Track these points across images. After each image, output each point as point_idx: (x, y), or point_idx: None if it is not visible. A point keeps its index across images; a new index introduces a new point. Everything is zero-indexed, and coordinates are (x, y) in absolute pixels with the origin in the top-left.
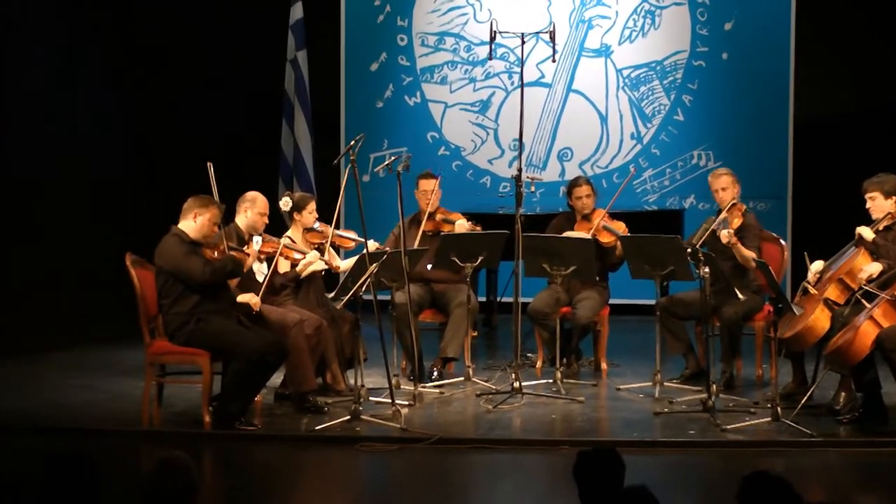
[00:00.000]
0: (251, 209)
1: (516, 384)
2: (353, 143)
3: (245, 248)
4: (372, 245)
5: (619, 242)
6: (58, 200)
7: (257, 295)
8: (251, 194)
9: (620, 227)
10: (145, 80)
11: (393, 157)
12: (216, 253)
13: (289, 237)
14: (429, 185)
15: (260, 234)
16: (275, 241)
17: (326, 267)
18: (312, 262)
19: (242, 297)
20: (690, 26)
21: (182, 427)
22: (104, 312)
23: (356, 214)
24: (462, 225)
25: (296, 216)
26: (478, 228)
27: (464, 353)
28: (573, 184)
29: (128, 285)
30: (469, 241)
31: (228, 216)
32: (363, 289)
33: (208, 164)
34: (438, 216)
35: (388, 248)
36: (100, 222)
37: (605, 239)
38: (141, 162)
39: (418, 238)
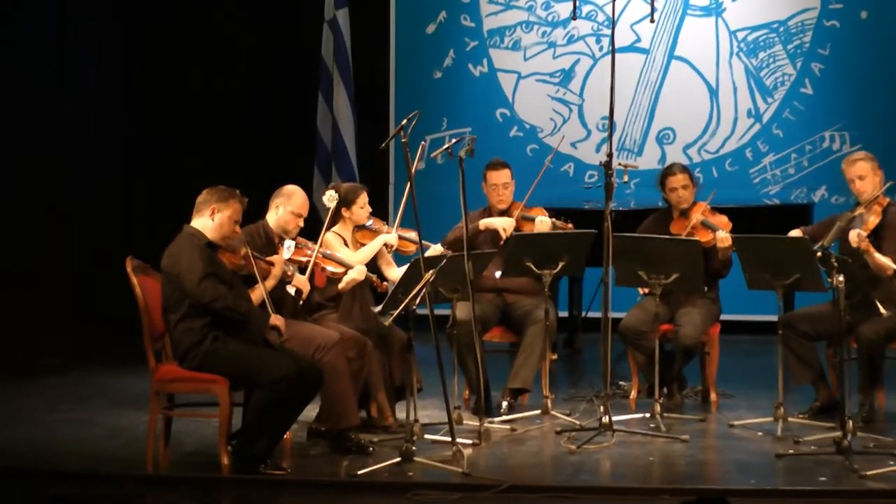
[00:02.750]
0: (285, 205)
1: (605, 419)
2: (404, 122)
3: (274, 255)
4: (435, 248)
5: (717, 237)
6: (45, 200)
7: (292, 314)
8: (289, 188)
9: (722, 222)
10: (145, 46)
11: (453, 140)
12: (236, 259)
13: (336, 233)
14: (499, 178)
15: (293, 239)
16: (310, 246)
17: (369, 279)
18: (358, 278)
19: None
20: None
21: (195, 471)
22: (100, 330)
23: (408, 210)
24: (544, 223)
25: (345, 212)
26: (569, 227)
27: (540, 380)
28: (666, 172)
29: (129, 297)
30: (547, 243)
31: (250, 214)
32: (417, 301)
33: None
34: (514, 212)
35: (446, 251)
36: (95, 222)
37: (704, 237)
38: (142, 150)
39: (489, 238)
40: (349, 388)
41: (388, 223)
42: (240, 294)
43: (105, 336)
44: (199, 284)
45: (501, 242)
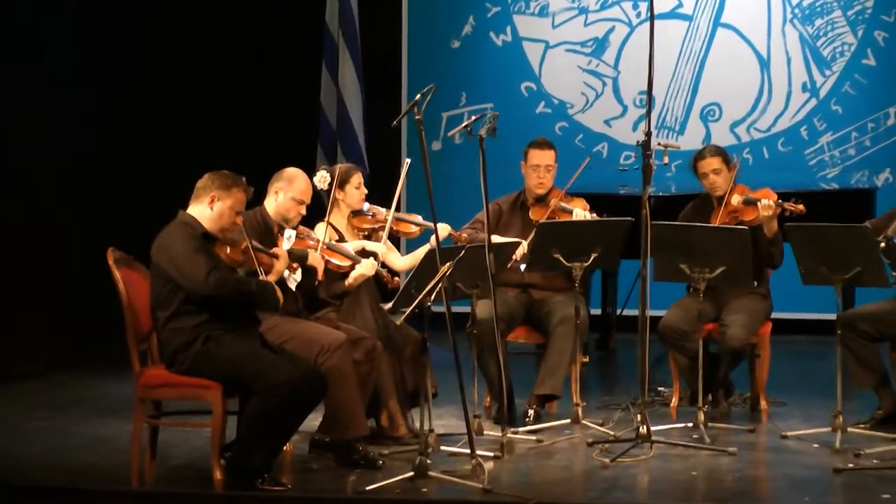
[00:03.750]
0: (285, 191)
1: (643, 429)
2: (418, 97)
3: (276, 248)
4: (443, 229)
5: (761, 206)
6: (13, 185)
7: (292, 311)
8: (290, 172)
9: (765, 194)
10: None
11: (473, 118)
12: (235, 254)
13: (330, 225)
14: (543, 158)
15: (293, 228)
16: (313, 237)
17: (379, 274)
18: (366, 274)
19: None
20: None
21: (184, 486)
22: (79, 330)
23: (422, 194)
24: (582, 216)
25: (337, 195)
26: (593, 215)
27: (570, 386)
28: (697, 156)
29: (111, 293)
30: (577, 232)
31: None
32: (432, 297)
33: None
34: (552, 200)
35: (465, 238)
36: (72, 209)
37: (750, 217)
38: (128, 129)
39: (520, 228)
40: (356, 394)
41: (392, 209)
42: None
43: (84, 337)
44: (206, 280)
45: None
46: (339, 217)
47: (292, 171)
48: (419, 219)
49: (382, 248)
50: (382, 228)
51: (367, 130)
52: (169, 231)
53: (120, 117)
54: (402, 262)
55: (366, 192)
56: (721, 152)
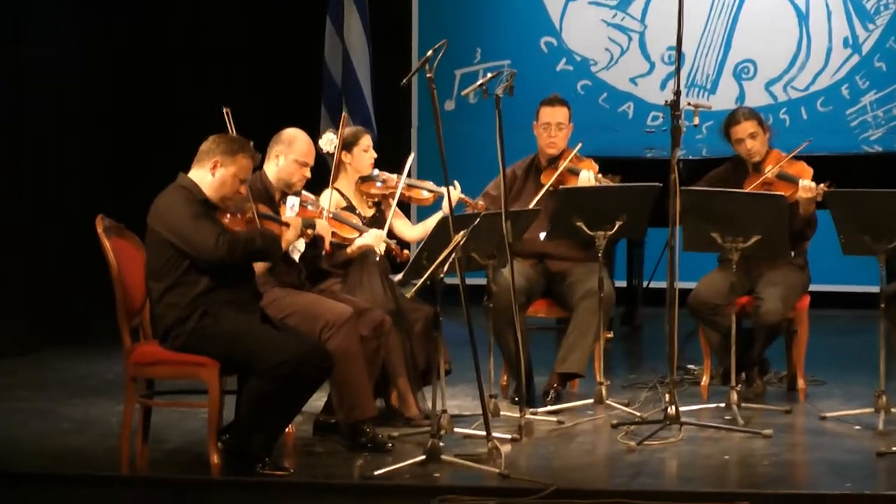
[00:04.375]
0: (286, 154)
1: (671, 410)
2: (430, 53)
3: (288, 216)
4: (455, 194)
5: (801, 187)
6: None
7: (295, 283)
8: (289, 133)
9: (802, 170)
10: None
11: (489, 76)
12: (235, 224)
13: (337, 191)
14: (553, 116)
15: (296, 194)
16: (317, 204)
17: (387, 246)
18: (371, 244)
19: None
20: None
21: (178, 471)
22: (64, 304)
23: (434, 158)
24: (587, 179)
25: (344, 158)
26: (605, 180)
27: (593, 364)
28: (729, 121)
29: (99, 263)
30: (601, 199)
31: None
32: (445, 268)
33: (225, 110)
34: (563, 164)
35: (480, 206)
36: (57, 172)
37: (784, 193)
38: (117, 89)
39: (539, 196)
40: (363, 373)
41: (403, 175)
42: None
43: (70, 311)
44: (216, 246)
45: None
46: (346, 183)
47: (292, 132)
48: (432, 185)
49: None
50: (392, 196)
51: (375, 89)
52: (167, 196)
53: (111, 74)
54: (414, 231)
55: (375, 156)
56: (756, 115)
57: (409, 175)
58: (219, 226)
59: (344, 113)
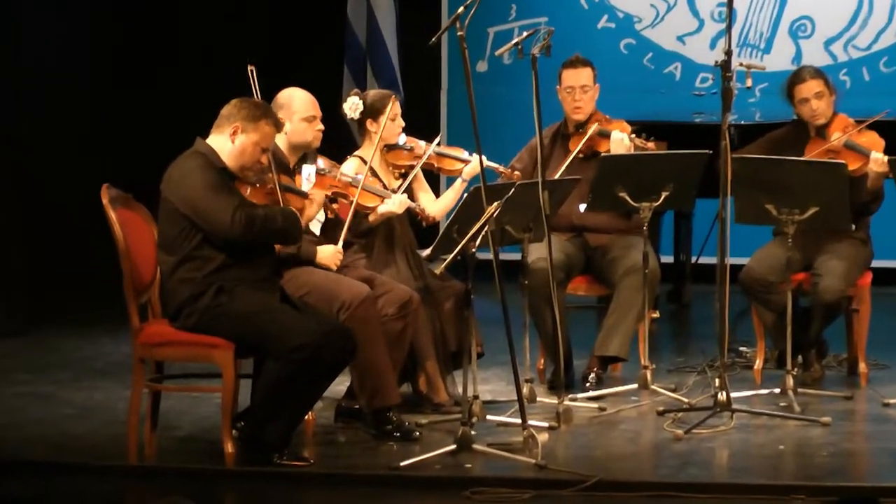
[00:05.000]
0: (289, 116)
1: (722, 396)
2: (461, 10)
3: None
4: (476, 160)
5: (873, 160)
6: None
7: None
8: (283, 95)
9: (872, 142)
10: None
11: (525, 34)
12: (256, 196)
13: (358, 157)
14: (576, 78)
15: (312, 163)
16: (335, 170)
17: (411, 210)
18: (395, 210)
19: (323, 256)
20: None
21: (190, 461)
22: (67, 278)
23: (465, 124)
24: (620, 141)
25: (370, 125)
26: (649, 146)
27: (637, 346)
28: (793, 79)
29: (105, 236)
30: (646, 167)
31: None
32: (477, 243)
33: (250, 68)
34: (591, 128)
35: (516, 176)
36: (60, 139)
37: (852, 165)
38: (126, 48)
39: (566, 164)
40: (384, 356)
41: (434, 143)
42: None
43: (74, 288)
44: (232, 223)
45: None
46: (371, 151)
47: (286, 93)
48: (465, 154)
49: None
50: (418, 162)
51: (402, 49)
52: (182, 163)
53: (121, 33)
54: (438, 204)
55: (403, 124)
56: (822, 74)
57: (439, 144)
58: (237, 198)
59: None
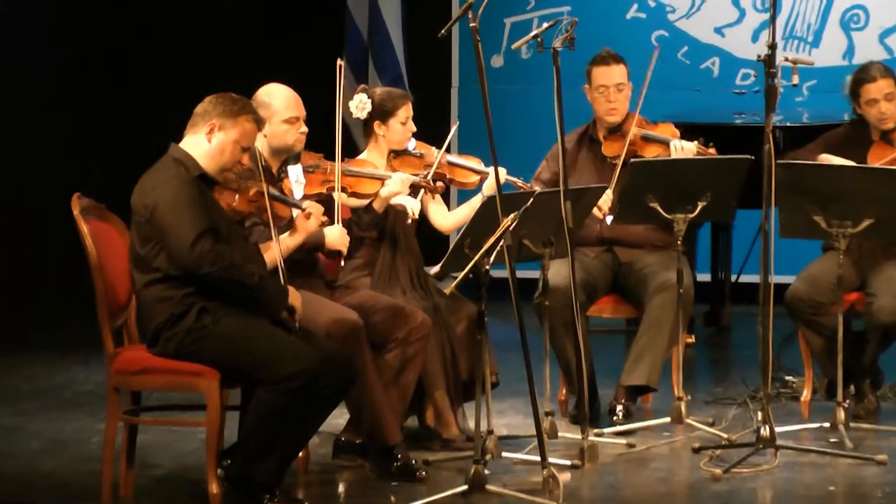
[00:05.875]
0: (268, 116)
1: (765, 430)
2: None
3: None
4: (502, 173)
5: None
6: None
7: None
8: (263, 93)
9: None
10: None
11: (545, 25)
12: (242, 203)
13: (361, 161)
14: (610, 77)
15: (295, 162)
16: (323, 165)
17: (417, 207)
18: (397, 190)
19: (331, 239)
20: None
21: (170, 502)
22: (34, 298)
23: (478, 126)
24: (683, 147)
25: (378, 128)
26: (711, 153)
27: (670, 375)
28: (860, 77)
29: (77, 251)
30: (681, 174)
31: None
32: (491, 259)
33: (339, 63)
34: (629, 130)
35: (535, 186)
36: (27, 143)
37: None
38: (100, 42)
39: (617, 173)
40: (378, 390)
41: (443, 149)
42: (245, 254)
43: (42, 308)
44: (192, 248)
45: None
46: (377, 155)
47: (266, 90)
48: (480, 164)
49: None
50: (428, 172)
51: (408, 41)
52: (156, 172)
53: (100, 29)
54: (450, 219)
55: (414, 129)
56: (893, 73)
57: (449, 148)
58: (210, 222)
59: (340, 61)
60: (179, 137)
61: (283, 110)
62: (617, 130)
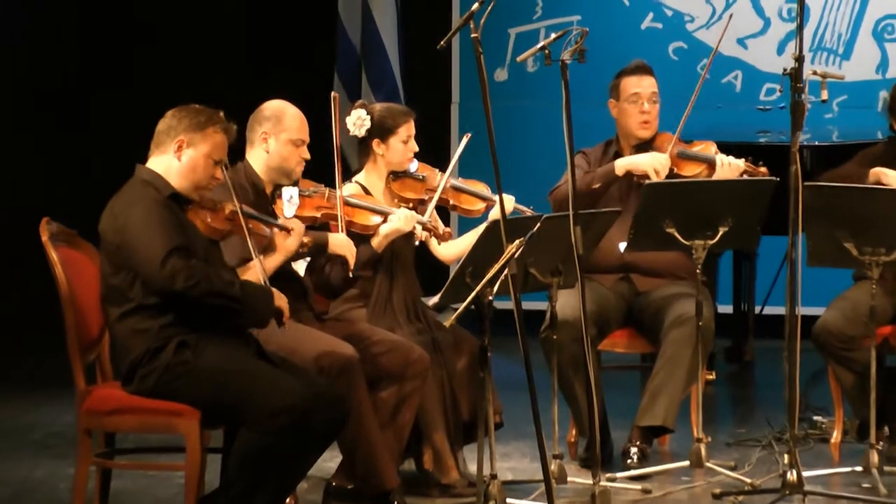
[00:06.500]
0: (274, 133)
1: (792, 475)
2: (476, 7)
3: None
4: (510, 202)
5: None
6: None
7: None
8: (274, 107)
9: None
10: None
11: (553, 36)
12: (218, 221)
13: (358, 183)
14: (644, 85)
15: (293, 184)
16: (321, 191)
17: (424, 237)
18: (401, 228)
19: (336, 242)
20: None
21: None
22: (1, 330)
23: (480, 144)
24: (730, 163)
25: (377, 147)
26: (762, 171)
27: (689, 415)
28: None
29: (46, 280)
30: (700, 197)
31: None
32: (494, 289)
33: (334, 95)
34: (662, 148)
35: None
36: None
37: None
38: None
39: (615, 191)
40: (374, 432)
41: (448, 172)
42: (221, 271)
43: (7, 342)
44: (162, 265)
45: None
46: (375, 177)
47: (277, 105)
48: (487, 190)
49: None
50: (431, 199)
51: (405, 53)
52: (124, 195)
53: (61, 36)
54: (452, 248)
55: (416, 148)
56: None
57: (455, 168)
58: (182, 239)
59: (334, 93)
60: (144, 159)
61: (293, 130)
62: (646, 148)
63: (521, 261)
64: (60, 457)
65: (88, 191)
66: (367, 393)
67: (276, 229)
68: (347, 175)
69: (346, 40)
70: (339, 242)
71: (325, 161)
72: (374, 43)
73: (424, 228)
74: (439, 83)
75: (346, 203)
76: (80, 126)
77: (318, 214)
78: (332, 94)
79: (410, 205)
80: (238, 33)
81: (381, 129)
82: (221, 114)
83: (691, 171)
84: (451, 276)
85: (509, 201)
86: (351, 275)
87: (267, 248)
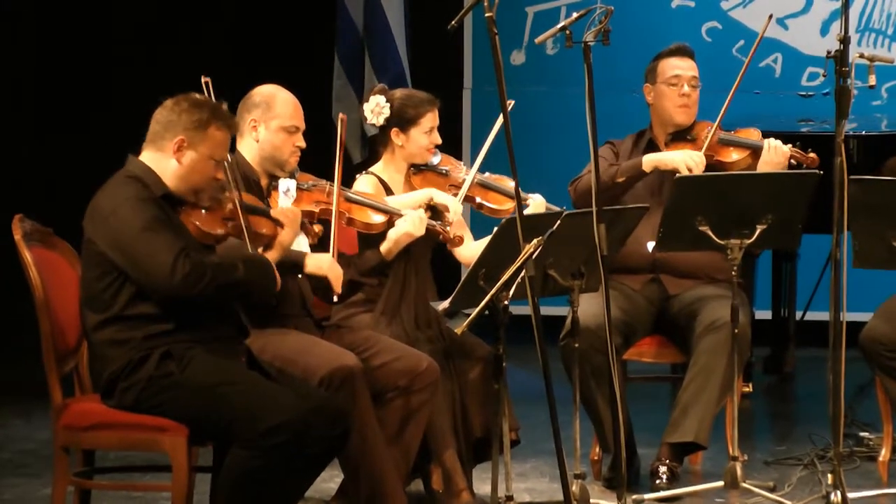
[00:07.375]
0: (265, 119)
1: (836, 496)
2: None
3: (283, 209)
4: (537, 203)
5: None
6: None
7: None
8: (264, 92)
9: None
10: None
11: (575, 15)
12: (212, 224)
13: (374, 175)
14: (686, 67)
15: (291, 176)
16: (321, 185)
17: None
18: (412, 232)
19: (315, 263)
20: None
21: None
22: None
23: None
24: (777, 147)
25: (396, 137)
26: (811, 157)
27: (724, 430)
28: None
29: (19, 284)
30: (736, 192)
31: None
32: (510, 293)
33: (204, 80)
34: (700, 136)
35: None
36: None
37: None
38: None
39: (646, 183)
40: (381, 449)
41: (477, 164)
42: (213, 257)
43: None
44: (172, 273)
45: None
46: (393, 169)
47: (267, 90)
48: (512, 185)
49: (456, 205)
50: (457, 195)
51: (412, 36)
52: (112, 191)
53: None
54: (471, 250)
55: (439, 140)
56: None
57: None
58: (182, 240)
59: (342, 115)
60: (138, 149)
61: (285, 116)
62: (684, 136)
63: (539, 262)
64: (34, 476)
65: (64, 186)
66: (371, 407)
67: (276, 225)
68: (351, 175)
69: (346, 19)
70: (319, 263)
71: (325, 162)
72: (379, 22)
73: (433, 232)
74: (450, 67)
75: (347, 199)
76: (56, 120)
77: (317, 210)
78: (340, 115)
79: (429, 206)
80: (222, 18)
81: (402, 119)
82: (224, 106)
83: (733, 157)
84: (462, 279)
85: (540, 200)
86: (335, 299)
87: (268, 243)
